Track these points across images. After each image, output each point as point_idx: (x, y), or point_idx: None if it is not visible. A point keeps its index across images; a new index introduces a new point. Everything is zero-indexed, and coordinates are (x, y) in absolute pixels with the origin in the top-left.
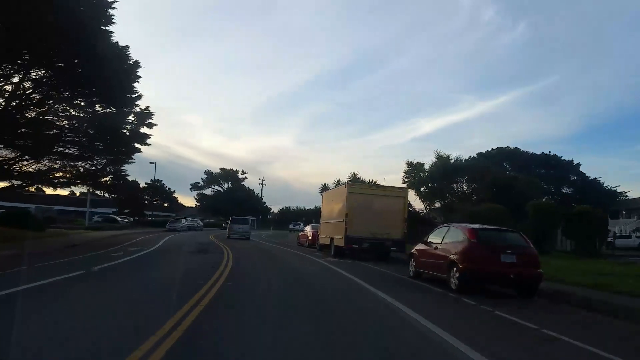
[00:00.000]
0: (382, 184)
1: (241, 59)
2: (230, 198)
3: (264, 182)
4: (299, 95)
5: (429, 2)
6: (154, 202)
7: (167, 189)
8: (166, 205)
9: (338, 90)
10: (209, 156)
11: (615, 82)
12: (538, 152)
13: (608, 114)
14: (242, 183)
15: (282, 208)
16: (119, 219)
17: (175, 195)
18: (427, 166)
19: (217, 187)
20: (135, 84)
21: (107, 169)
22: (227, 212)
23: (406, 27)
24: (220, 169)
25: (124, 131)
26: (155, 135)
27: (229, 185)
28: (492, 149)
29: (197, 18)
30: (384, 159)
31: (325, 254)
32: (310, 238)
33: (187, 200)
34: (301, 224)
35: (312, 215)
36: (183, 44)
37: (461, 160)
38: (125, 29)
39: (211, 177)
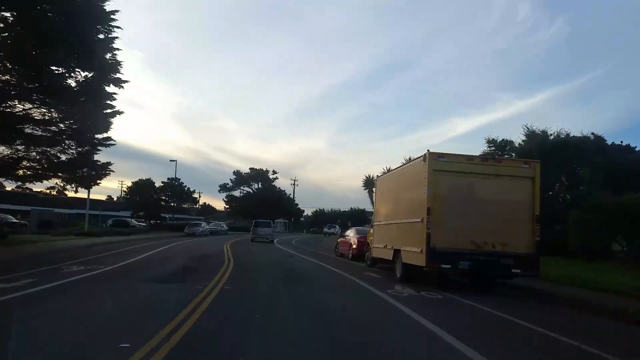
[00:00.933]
0: (493, 156)
1: (274, 64)
2: (260, 199)
3: (295, 183)
4: (331, 98)
5: (463, 0)
6: (173, 204)
7: (186, 188)
8: (194, 206)
9: (371, 91)
10: (244, 160)
11: None
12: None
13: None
14: (273, 184)
15: (316, 210)
16: (135, 222)
17: (196, 195)
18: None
19: (246, 189)
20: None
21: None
22: (257, 214)
23: (440, 26)
24: (250, 169)
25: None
26: (192, 141)
27: (259, 186)
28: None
29: (229, 26)
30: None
31: (385, 276)
32: (355, 247)
33: (219, 203)
34: (336, 226)
35: (348, 218)
36: (218, 52)
37: (564, 135)
38: (164, 36)
39: (240, 178)
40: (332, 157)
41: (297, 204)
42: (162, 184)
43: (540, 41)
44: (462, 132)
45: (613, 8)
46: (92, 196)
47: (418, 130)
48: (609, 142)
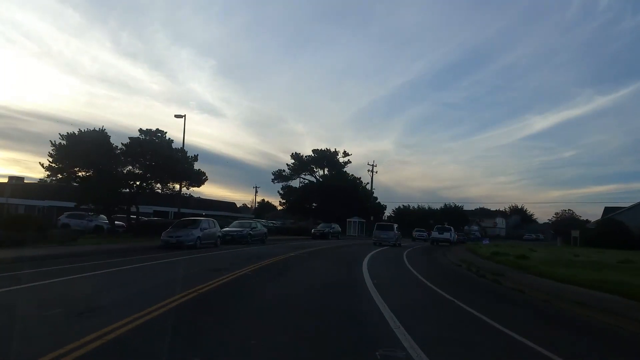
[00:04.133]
0: None
1: (342, 65)
2: (326, 190)
3: (374, 168)
4: (401, 98)
5: None
6: (159, 186)
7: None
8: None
9: (443, 90)
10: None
11: None
12: None
13: None
14: (344, 170)
15: (399, 207)
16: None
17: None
18: None
19: (308, 177)
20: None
21: None
22: (322, 211)
23: (513, 21)
24: (313, 150)
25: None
26: (261, 144)
27: (325, 172)
28: None
29: (298, 29)
30: (493, 159)
31: None
32: None
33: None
34: (451, 229)
35: (442, 217)
36: (288, 55)
37: None
38: (234, 42)
39: (300, 163)
40: (401, 158)
41: (376, 198)
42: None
43: (622, 32)
44: (539, 130)
45: None
46: None
47: (492, 129)
48: None
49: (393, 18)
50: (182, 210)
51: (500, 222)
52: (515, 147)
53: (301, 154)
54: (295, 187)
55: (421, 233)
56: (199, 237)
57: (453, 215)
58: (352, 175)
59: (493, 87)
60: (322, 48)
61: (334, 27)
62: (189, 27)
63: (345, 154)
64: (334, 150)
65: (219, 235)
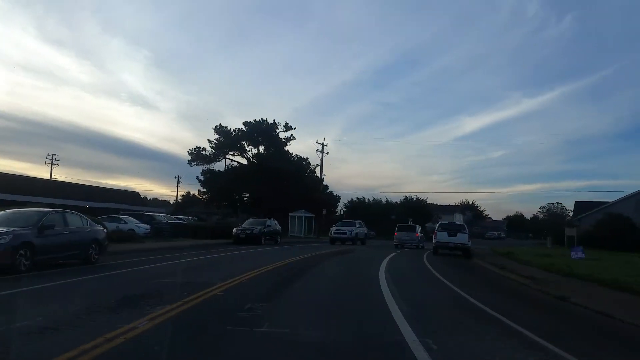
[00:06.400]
0: None
1: (280, 62)
2: (263, 175)
3: (324, 147)
4: (340, 96)
5: None
6: None
7: None
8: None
9: (382, 89)
10: None
11: None
12: None
13: None
14: (286, 148)
15: (352, 200)
16: None
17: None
18: None
19: (237, 159)
20: None
21: None
22: (258, 202)
23: (447, 25)
24: (244, 123)
25: None
26: (197, 138)
27: (260, 151)
28: None
29: (236, 23)
30: (429, 159)
31: None
32: None
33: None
34: (438, 230)
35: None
36: (225, 50)
37: None
38: (170, 34)
39: (227, 139)
40: (339, 155)
41: (327, 187)
42: None
43: (548, 39)
44: (470, 131)
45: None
46: None
47: (427, 129)
48: None
49: (331, 15)
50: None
51: (458, 217)
52: (448, 147)
53: (228, 128)
54: (221, 171)
55: (405, 235)
56: None
57: (415, 210)
58: (297, 155)
59: (429, 88)
60: (262, 42)
61: (273, 21)
62: (121, 15)
63: (288, 127)
64: (272, 122)
65: None
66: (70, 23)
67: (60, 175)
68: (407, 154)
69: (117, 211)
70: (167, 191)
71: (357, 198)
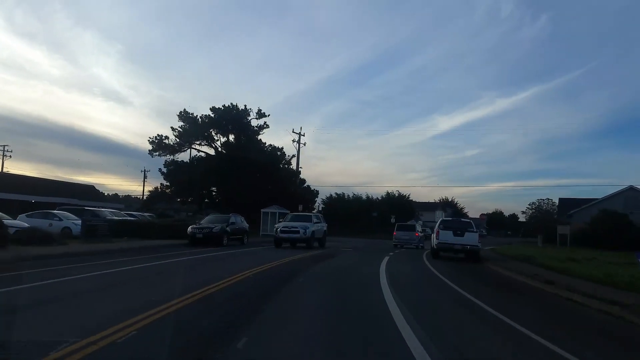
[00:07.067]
0: None
1: (258, 58)
2: (232, 166)
3: (301, 136)
4: (317, 94)
5: None
6: None
7: None
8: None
9: (359, 87)
10: None
11: None
12: None
13: (636, 109)
14: (259, 137)
15: (331, 195)
16: None
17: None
18: None
19: (204, 149)
20: None
21: None
22: (226, 196)
23: (424, 24)
24: (211, 108)
25: None
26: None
27: (230, 140)
28: None
29: (214, 19)
30: (406, 157)
31: None
32: None
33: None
34: (441, 229)
35: (388, 210)
36: (201, 44)
37: None
38: (146, 28)
39: (192, 126)
40: (317, 153)
41: (304, 181)
42: None
43: (523, 40)
44: (444, 130)
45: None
46: None
47: (404, 127)
48: None
49: (309, 13)
50: None
51: (439, 214)
52: (424, 146)
53: (193, 114)
54: (185, 163)
55: (405, 235)
56: None
57: (398, 206)
58: (271, 145)
59: (405, 87)
60: (238, 38)
61: (250, 17)
62: (94, 7)
63: (261, 114)
64: (243, 108)
65: None
66: (41, 15)
67: (30, 171)
68: (385, 152)
69: (66, 206)
70: (140, 187)
71: (336, 194)
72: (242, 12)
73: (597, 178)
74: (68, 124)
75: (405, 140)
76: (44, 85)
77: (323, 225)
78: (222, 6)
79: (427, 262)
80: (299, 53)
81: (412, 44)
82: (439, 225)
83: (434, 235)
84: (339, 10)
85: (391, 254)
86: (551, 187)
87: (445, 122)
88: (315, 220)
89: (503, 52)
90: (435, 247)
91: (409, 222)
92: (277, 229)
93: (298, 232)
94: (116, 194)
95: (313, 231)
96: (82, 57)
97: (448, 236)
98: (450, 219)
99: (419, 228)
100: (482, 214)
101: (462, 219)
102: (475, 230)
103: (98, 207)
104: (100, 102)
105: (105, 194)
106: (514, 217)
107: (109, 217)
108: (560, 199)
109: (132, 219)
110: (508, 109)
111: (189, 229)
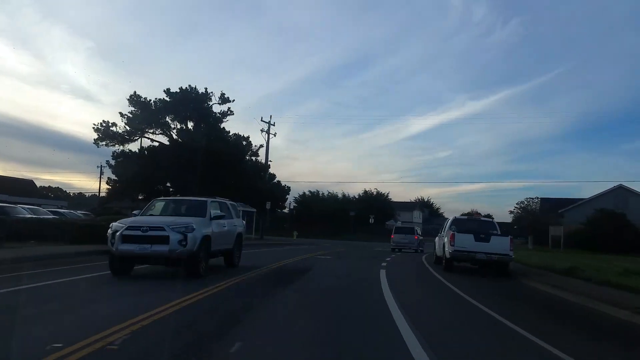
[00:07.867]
0: None
1: (234, 56)
2: (191, 158)
3: (270, 126)
4: (290, 94)
5: (421, 2)
6: None
7: None
8: None
9: (334, 88)
10: None
11: (614, 81)
12: None
13: (602, 113)
14: (222, 126)
15: (304, 193)
16: None
17: None
18: None
19: (159, 138)
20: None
21: None
22: (183, 192)
23: (397, 27)
24: (166, 91)
25: None
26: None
27: (189, 127)
28: None
29: (187, 16)
30: (379, 157)
31: None
32: None
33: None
34: (454, 231)
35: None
36: (173, 42)
37: None
38: (117, 25)
39: (145, 112)
40: (290, 153)
41: (274, 176)
42: None
43: (493, 44)
44: (417, 131)
45: (563, 12)
46: None
47: (377, 129)
48: None
49: (284, 12)
50: None
51: (417, 215)
52: (398, 147)
53: (147, 98)
54: (135, 153)
55: (403, 238)
56: None
57: (377, 206)
58: (236, 134)
59: (379, 88)
60: (211, 36)
61: (223, 15)
62: (62, 2)
63: (224, 99)
64: (203, 91)
65: None
66: (6, 9)
67: None
68: (358, 153)
69: None
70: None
71: (310, 191)
72: (215, 11)
73: (566, 179)
74: (35, 121)
75: (380, 140)
76: (11, 82)
77: (236, 224)
78: (195, 4)
79: (443, 279)
80: (273, 53)
81: (386, 46)
82: (452, 226)
83: (445, 240)
84: (313, 11)
85: (388, 259)
86: (521, 189)
87: (419, 124)
88: (215, 211)
89: (474, 55)
90: (449, 256)
91: (404, 225)
92: (117, 231)
93: (166, 238)
94: (80, 193)
95: (205, 236)
96: (50, 54)
97: (468, 242)
98: (465, 217)
99: (418, 231)
100: (462, 214)
101: (483, 218)
102: (499, 233)
103: (31, 205)
104: (69, 100)
105: (71, 194)
106: (488, 217)
107: (21, 215)
108: (541, 199)
109: (51, 217)
110: (478, 111)
111: (111, 226)
